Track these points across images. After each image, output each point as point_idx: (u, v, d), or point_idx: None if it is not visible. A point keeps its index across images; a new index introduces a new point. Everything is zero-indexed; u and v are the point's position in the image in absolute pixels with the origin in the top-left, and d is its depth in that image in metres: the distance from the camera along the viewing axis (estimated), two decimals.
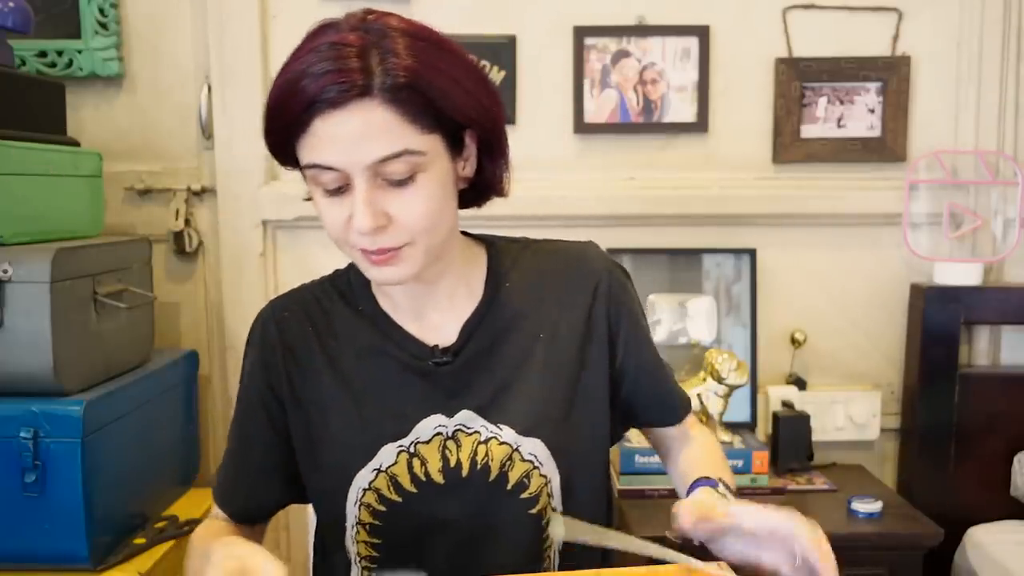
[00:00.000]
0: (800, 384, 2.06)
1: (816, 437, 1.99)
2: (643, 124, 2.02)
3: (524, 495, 0.95)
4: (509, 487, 0.94)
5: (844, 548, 1.92)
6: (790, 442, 1.95)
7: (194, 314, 2.05)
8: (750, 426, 2.00)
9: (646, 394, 1.06)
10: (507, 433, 0.95)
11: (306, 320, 1.01)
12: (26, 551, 1.44)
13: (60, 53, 1.93)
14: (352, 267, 1.03)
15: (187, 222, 2.00)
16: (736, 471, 1.82)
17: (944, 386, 2.00)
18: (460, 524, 0.95)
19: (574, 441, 0.98)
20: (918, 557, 1.72)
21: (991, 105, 2.04)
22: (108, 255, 1.63)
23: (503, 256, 1.03)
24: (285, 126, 0.85)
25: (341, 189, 0.85)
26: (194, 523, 1.68)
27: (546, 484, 0.96)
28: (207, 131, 1.98)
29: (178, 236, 1.99)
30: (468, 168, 0.93)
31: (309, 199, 0.93)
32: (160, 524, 1.66)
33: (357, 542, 0.97)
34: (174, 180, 2.00)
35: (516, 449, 0.94)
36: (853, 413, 2.06)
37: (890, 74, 2.03)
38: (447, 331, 0.98)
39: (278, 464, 1.02)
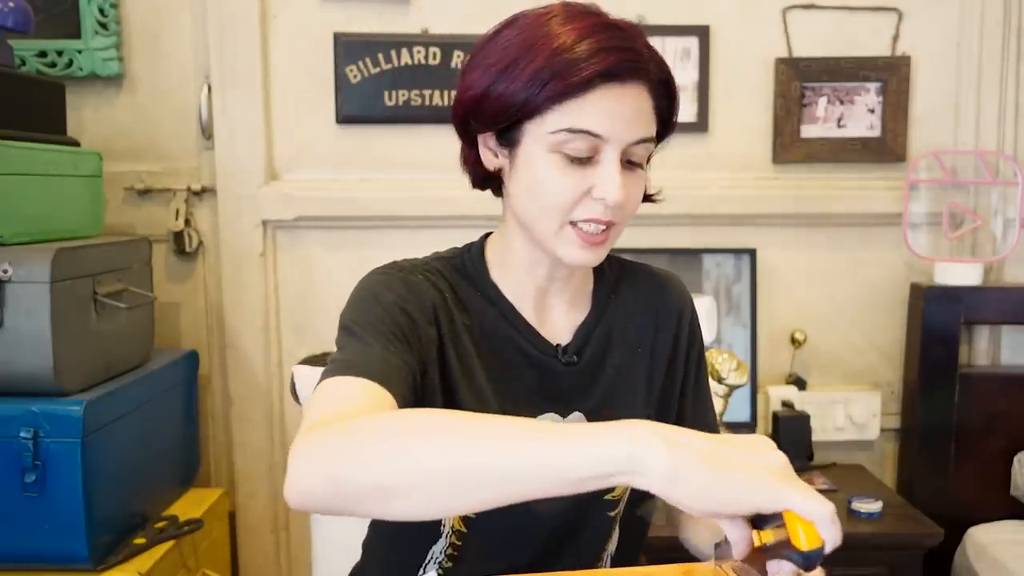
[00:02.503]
0: (800, 384, 2.06)
1: (816, 437, 1.99)
2: None
3: (608, 497, 0.98)
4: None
5: (844, 548, 1.92)
6: (790, 442, 1.95)
7: (194, 314, 2.05)
8: (750, 426, 2.00)
9: (693, 420, 1.09)
10: None
11: (439, 288, 0.96)
12: (26, 551, 1.44)
13: (60, 53, 1.93)
14: (465, 251, 1.02)
15: (187, 222, 2.00)
16: None
17: (944, 386, 2.00)
18: (550, 519, 0.97)
19: None
20: (918, 557, 1.73)
21: (991, 105, 2.04)
22: (108, 255, 1.63)
23: (609, 271, 1.07)
24: (555, 92, 0.86)
25: (582, 160, 0.88)
26: (194, 523, 1.68)
27: (626, 490, 0.99)
28: (207, 131, 1.98)
29: (178, 236, 1.99)
30: None
31: (493, 172, 0.95)
32: (160, 524, 1.65)
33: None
34: (174, 180, 2.00)
35: None
36: (853, 413, 2.06)
37: (890, 74, 2.03)
38: (563, 333, 1.01)
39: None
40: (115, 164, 1.94)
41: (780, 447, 2.07)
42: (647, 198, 1.02)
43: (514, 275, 0.99)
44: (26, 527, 1.43)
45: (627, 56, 0.86)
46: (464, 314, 0.97)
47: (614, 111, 0.86)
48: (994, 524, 1.91)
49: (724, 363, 1.78)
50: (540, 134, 0.88)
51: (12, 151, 1.51)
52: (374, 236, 2.01)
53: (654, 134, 0.91)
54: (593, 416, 0.98)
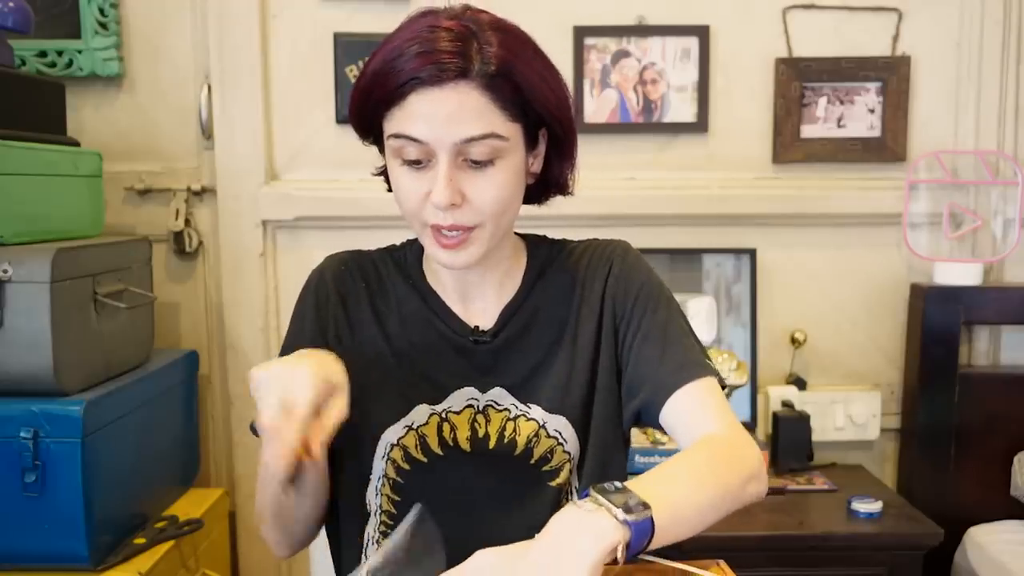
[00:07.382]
0: (800, 384, 2.06)
1: (816, 437, 1.99)
2: (643, 124, 2.02)
3: (546, 468, 0.99)
4: (532, 460, 0.99)
5: (844, 548, 1.92)
6: (790, 442, 1.95)
7: (194, 314, 2.05)
8: (750, 426, 2.00)
9: (644, 369, 0.99)
10: (535, 411, 1.00)
11: (360, 277, 1.06)
12: (26, 551, 1.44)
13: (60, 53, 1.93)
14: (410, 244, 1.09)
15: (187, 222, 2.00)
16: None
17: (944, 386, 2.00)
18: (481, 492, 0.99)
19: (594, 420, 1.01)
20: (918, 557, 1.72)
21: (991, 105, 2.04)
22: (108, 255, 1.63)
23: (543, 255, 1.07)
24: (379, 99, 0.90)
25: (422, 164, 0.90)
26: (194, 523, 1.68)
27: (568, 460, 1.00)
28: (207, 131, 1.98)
29: (178, 236, 1.99)
30: (536, 164, 0.99)
31: (379, 174, 1.03)
32: (160, 524, 1.66)
33: (380, 494, 1.00)
34: (174, 180, 2.00)
35: (543, 426, 0.99)
36: (853, 413, 2.05)
37: (890, 74, 2.02)
38: (488, 316, 1.03)
39: None
40: (115, 164, 1.94)
41: (780, 447, 2.09)
42: (559, 187, 1.04)
43: (437, 265, 1.03)
44: (26, 527, 1.43)
45: (434, 58, 0.86)
46: (381, 302, 1.04)
47: (431, 114, 0.87)
48: (994, 524, 1.91)
49: (724, 363, 1.78)
50: (387, 141, 0.92)
51: (12, 151, 1.51)
52: (374, 236, 1.98)
53: (494, 129, 0.88)
54: (518, 391, 1.00)
